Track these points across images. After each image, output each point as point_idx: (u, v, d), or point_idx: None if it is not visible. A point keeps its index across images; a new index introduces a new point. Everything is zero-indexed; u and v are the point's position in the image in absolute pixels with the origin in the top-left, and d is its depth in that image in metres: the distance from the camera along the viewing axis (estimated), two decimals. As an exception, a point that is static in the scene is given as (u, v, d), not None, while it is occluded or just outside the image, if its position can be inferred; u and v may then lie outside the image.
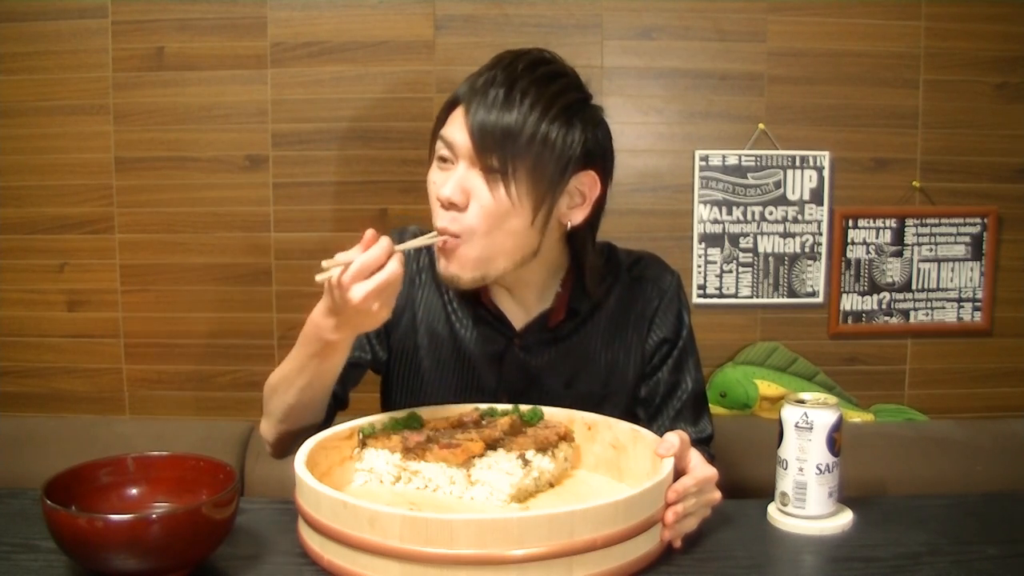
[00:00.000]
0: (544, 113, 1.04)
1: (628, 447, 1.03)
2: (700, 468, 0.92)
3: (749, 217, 1.98)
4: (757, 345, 1.98)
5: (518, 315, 1.19)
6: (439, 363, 1.21)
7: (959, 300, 2.02)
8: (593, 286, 1.18)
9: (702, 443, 1.22)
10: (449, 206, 1.05)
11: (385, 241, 0.93)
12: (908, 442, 1.79)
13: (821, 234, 1.99)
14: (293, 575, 0.85)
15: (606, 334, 1.20)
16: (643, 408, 1.22)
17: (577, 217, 1.12)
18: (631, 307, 1.21)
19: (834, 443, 0.96)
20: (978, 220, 2.00)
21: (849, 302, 2.01)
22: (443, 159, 1.08)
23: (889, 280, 2.01)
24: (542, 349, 1.19)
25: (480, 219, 1.04)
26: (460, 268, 1.08)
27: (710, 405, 1.90)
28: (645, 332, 1.21)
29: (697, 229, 1.98)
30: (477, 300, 1.19)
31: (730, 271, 1.99)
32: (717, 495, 0.93)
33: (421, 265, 1.24)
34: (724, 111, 1.96)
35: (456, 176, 1.05)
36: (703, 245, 1.98)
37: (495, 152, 1.02)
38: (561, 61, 1.12)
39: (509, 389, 1.18)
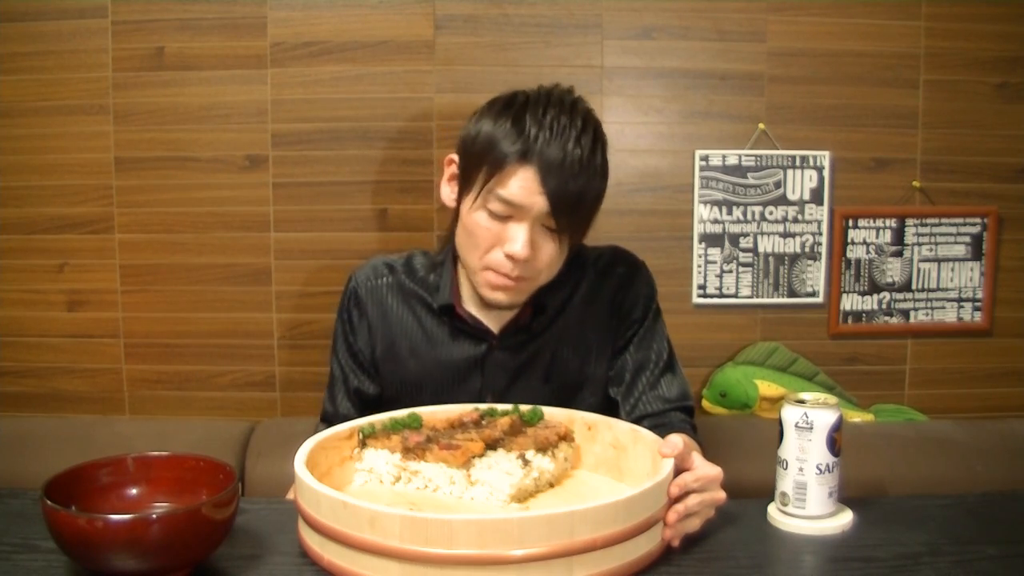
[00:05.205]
0: (603, 174, 1.15)
1: (628, 447, 1.03)
2: (703, 467, 0.92)
3: (749, 217, 1.98)
4: (757, 345, 1.98)
5: (492, 319, 1.25)
6: (424, 374, 1.27)
7: (959, 300, 2.02)
8: (563, 276, 1.25)
9: (686, 411, 1.25)
10: (522, 260, 1.12)
11: None
12: (908, 442, 1.79)
13: (821, 234, 1.99)
14: (293, 575, 0.85)
15: (578, 325, 1.27)
16: (615, 386, 1.27)
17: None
18: (599, 296, 1.27)
19: (834, 443, 0.96)
20: (978, 220, 1.99)
21: (849, 302, 2.01)
22: (498, 213, 1.12)
23: (889, 280, 2.01)
24: (520, 348, 1.25)
25: (547, 265, 1.16)
26: (517, 298, 1.19)
27: (711, 405, 1.94)
28: (615, 316, 1.27)
29: (697, 229, 1.98)
30: (452, 313, 1.25)
31: (730, 271, 1.99)
32: (721, 495, 0.93)
33: (387, 290, 1.30)
34: (724, 111, 1.96)
35: (526, 234, 1.12)
36: (703, 245, 1.98)
37: (567, 215, 1.12)
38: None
39: (493, 390, 1.25)
